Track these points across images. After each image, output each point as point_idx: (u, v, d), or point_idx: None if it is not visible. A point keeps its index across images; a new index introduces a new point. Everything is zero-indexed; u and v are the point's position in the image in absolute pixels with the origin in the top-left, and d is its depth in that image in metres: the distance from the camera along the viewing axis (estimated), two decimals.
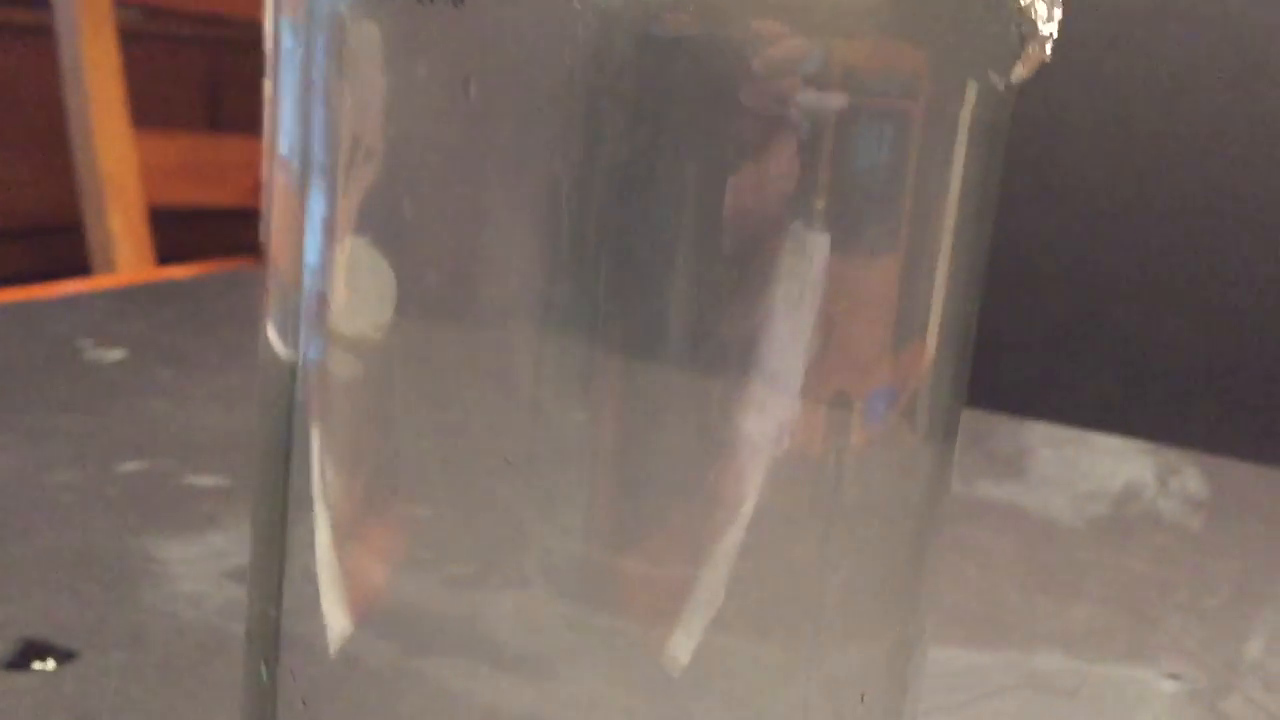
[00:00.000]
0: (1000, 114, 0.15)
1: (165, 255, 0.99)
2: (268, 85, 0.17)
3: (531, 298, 0.15)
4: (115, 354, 0.48)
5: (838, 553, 0.17)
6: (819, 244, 0.15)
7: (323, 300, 0.16)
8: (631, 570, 0.17)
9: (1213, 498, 0.45)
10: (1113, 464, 0.48)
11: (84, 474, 0.36)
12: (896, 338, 0.16)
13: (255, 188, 1.24)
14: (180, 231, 1.11)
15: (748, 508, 0.16)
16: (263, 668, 0.16)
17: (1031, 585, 0.36)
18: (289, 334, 0.17)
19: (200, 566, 0.31)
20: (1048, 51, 0.14)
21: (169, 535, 0.32)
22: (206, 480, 0.37)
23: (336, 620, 0.16)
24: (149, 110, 1.04)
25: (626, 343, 0.16)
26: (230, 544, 0.32)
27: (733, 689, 0.17)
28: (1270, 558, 0.40)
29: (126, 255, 0.96)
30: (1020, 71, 0.14)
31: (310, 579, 0.17)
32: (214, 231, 1.24)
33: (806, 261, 0.15)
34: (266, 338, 0.17)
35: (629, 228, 0.15)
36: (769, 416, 0.16)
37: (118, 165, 0.95)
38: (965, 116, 0.15)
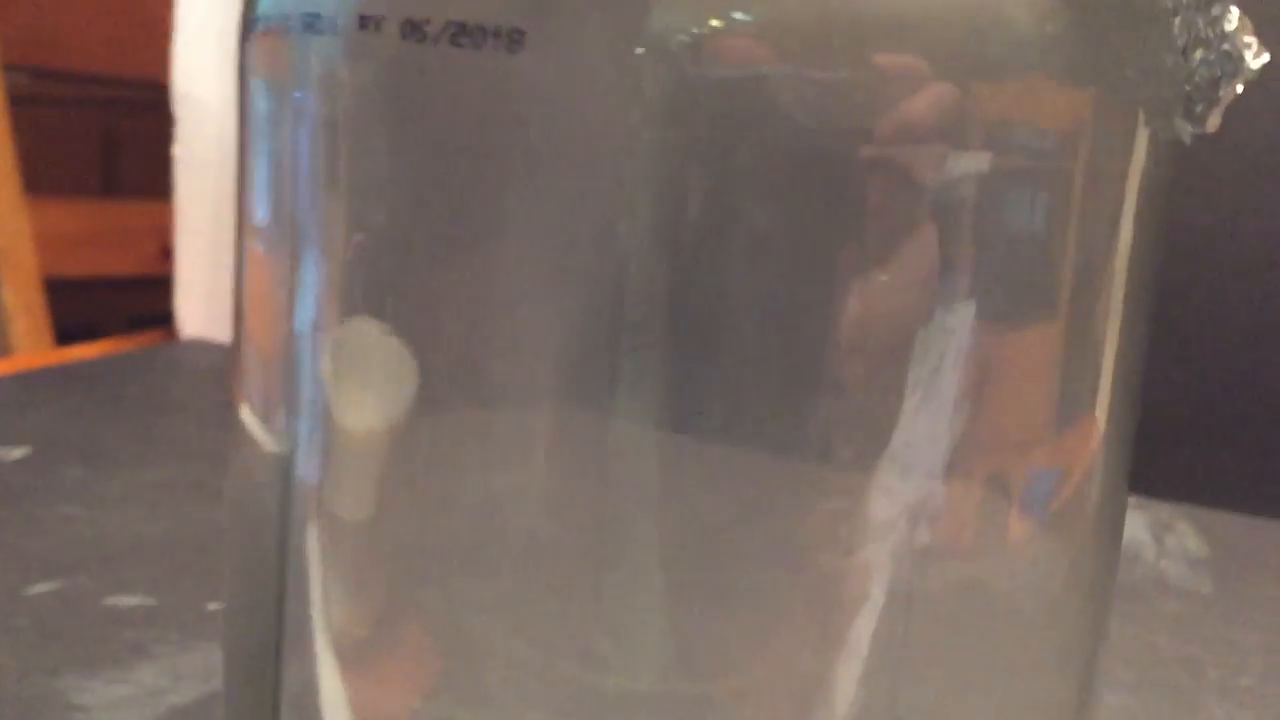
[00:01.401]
0: (1174, 167, 0.12)
1: (63, 330, 0.93)
2: (239, 148, 0.14)
3: (587, 384, 0.13)
4: (17, 452, 0.43)
5: (993, 666, 0.14)
6: (956, 320, 0.13)
7: (325, 385, 0.14)
8: (730, 694, 0.14)
9: (1214, 556, 0.43)
10: None
11: None
12: (1059, 416, 0.14)
13: (160, 254, 1.19)
14: (78, 304, 1.06)
15: (878, 611, 0.13)
16: None
17: None
18: (276, 420, 0.14)
19: (130, 712, 0.26)
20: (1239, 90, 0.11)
21: (90, 673, 0.28)
22: (130, 600, 0.32)
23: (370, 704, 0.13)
24: (40, 176, 0.99)
25: (711, 434, 0.13)
26: (163, 679, 0.28)
27: None
28: None
29: (22, 333, 0.91)
30: (1215, 120, 0.11)
31: (322, 665, 0.14)
32: (116, 302, 1.19)
33: (940, 341, 0.13)
34: (242, 426, 0.15)
35: (712, 307, 0.12)
36: (897, 504, 0.13)
37: (11, 238, 0.90)
38: (1135, 173, 0.12)
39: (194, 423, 0.51)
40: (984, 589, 0.14)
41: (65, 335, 0.91)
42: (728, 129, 0.12)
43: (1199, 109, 0.12)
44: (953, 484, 0.14)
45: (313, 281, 0.13)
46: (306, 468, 0.14)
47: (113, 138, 1.69)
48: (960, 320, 0.13)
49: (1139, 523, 0.46)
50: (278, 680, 0.13)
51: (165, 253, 1.22)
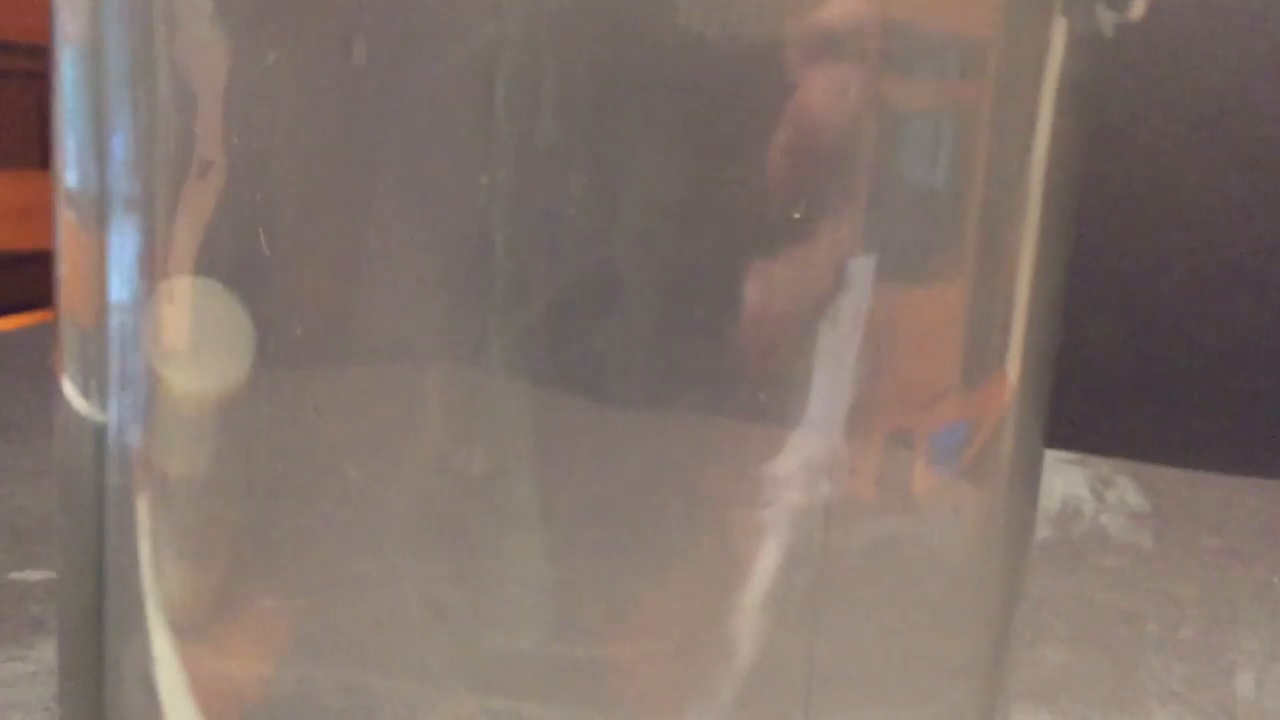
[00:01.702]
0: (1095, 66, 0.12)
1: (7, 307, 0.92)
2: (53, 112, 0.13)
3: (450, 332, 0.12)
4: None
5: (905, 621, 0.14)
6: (865, 252, 0.12)
7: (148, 351, 0.13)
8: (625, 655, 0.13)
9: (1154, 510, 0.43)
10: (1045, 479, 0.45)
11: None
12: (967, 363, 0.14)
13: None
14: (12, 279, 1.04)
15: (767, 572, 0.13)
16: None
17: None
18: (93, 390, 0.14)
19: (27, 690, 0.25)
20: None
21: None
22: (35, 575, 0.31)
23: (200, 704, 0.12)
24: None
25: (592, 384, 0.12)
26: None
27: None
28: (1231, 574, 0.38)
29: None
30: (1140, 6, 0.10)
31: (146, 692, 0.13)
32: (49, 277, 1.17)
33: (846, 274, 0.12)
34: (63, 398, 0.14)
35: (587, 242, 0.11)
36: (798, 460, 0.12)
37: None
38: (1051, 73, 0.11)
39: None
40: (894, 543, 0.14)
41: (6, 312, 0.89)
42: (611, 40, 0.11)
43: None
44: (859, 436, 0.13)
45: (128, 244, 0.12)
46: (128, 436, 0.13)
47: (49, 110, 1.65)
48: (866, 252, 0.12)
49: (1079, 478, 0.46)
50: (101, 652, 0.13)
51: None
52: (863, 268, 0.12)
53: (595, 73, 0.11)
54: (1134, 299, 0.50)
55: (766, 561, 0.13)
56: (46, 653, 0.27)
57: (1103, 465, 0.47)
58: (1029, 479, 0.16)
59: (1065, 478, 0.46)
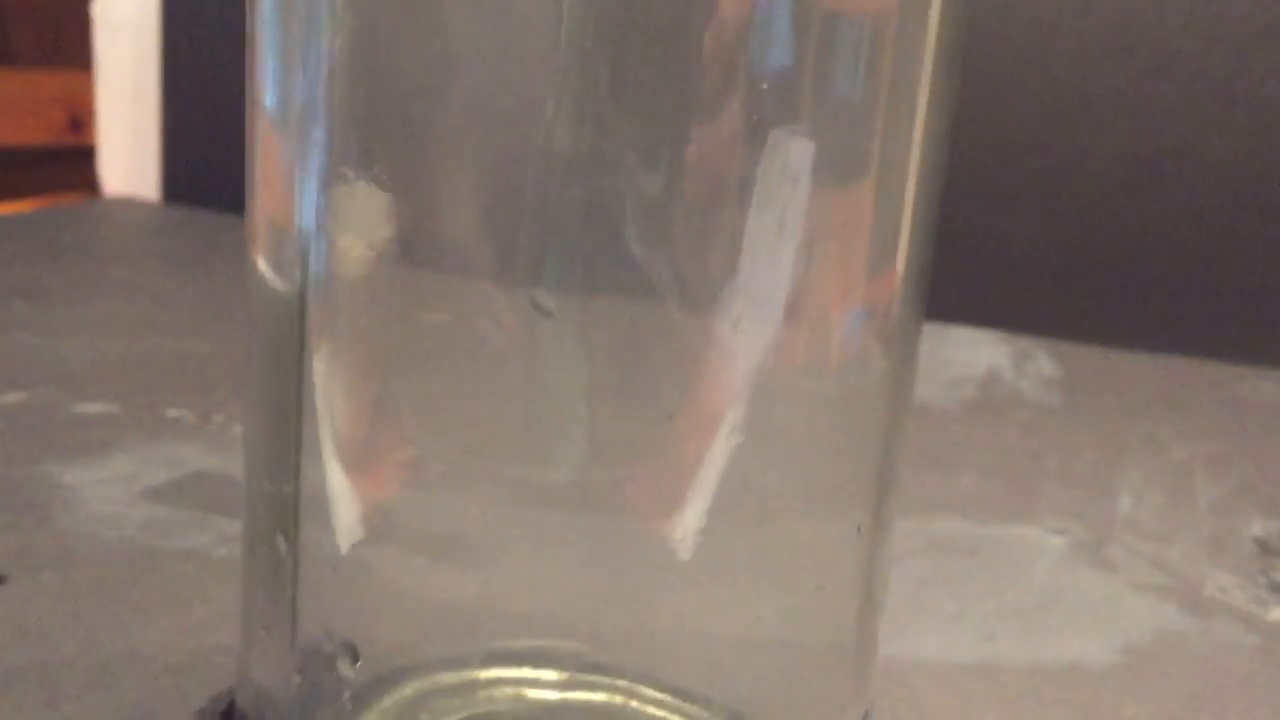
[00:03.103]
0: (965, 11, 0.16)
1: None
2: (249, 30, 0.17)
3: (517, 218, 0.16)
4: None
5: (817, 449, 0.18)
6: (803, 155, 0.16)
7: (328, 229, 0.17)
8: (627, 472, 0.18)
9: (1066, 378, 0.49)
10: (971, 352, 0.51)
11: None
12: (871, 258, 0.17)
13: (69, 124, 1.18)
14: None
15: (736, 415, 0.17)
16: (281, 540, 0.16)
17: (920, 462, 0.38)
18: (284, 266, 0.17)
19: (111, 489, 0.30)
20: None
21: (70, 461, 0.31)
22: (94, 407, 0.35)
23: (362, 498, 0.17)
24: None
25: (621, 266, 0.16)
26: (135, 466, 0.32)
27: (717, 570, 0.18)
28: (1124, 427, 0.43)
29: None
30: None
31: (331, 463, 0.17)
32: (25, 174, 1.18)
33: (790, 178, 0.16)
34: (258, 272, 0.18)
35: (612, 150, 0.15)
36: (758, 338, 0.17)
37: None
38: (934, 13, 0.16)
39: (129, 268, 0.54)
40: (816, 398, 0.18)
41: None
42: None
43: None
44: (793, 319, 0.17)
45: (314, 153, 0.16)
46: (310, 302, 0.17)
47: (4, 7, 1.64)
48: (797, 171, 0.16)
49: (1003, 353, 0.51)
50: (298, 483, 0.17)
51: (74, 123, 1.21)
52: (802, 168, 0.16)
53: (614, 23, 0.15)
54: (1055, 194, 0.55)
55: (727, 412, 0.18)
56: (119, 465, 0.32)
57: (1024, 341, 0.53)
58: (911, 346, 0.19)
59: (990, 352, 0.51)
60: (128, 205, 0.64)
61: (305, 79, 0.16)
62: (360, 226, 0.16)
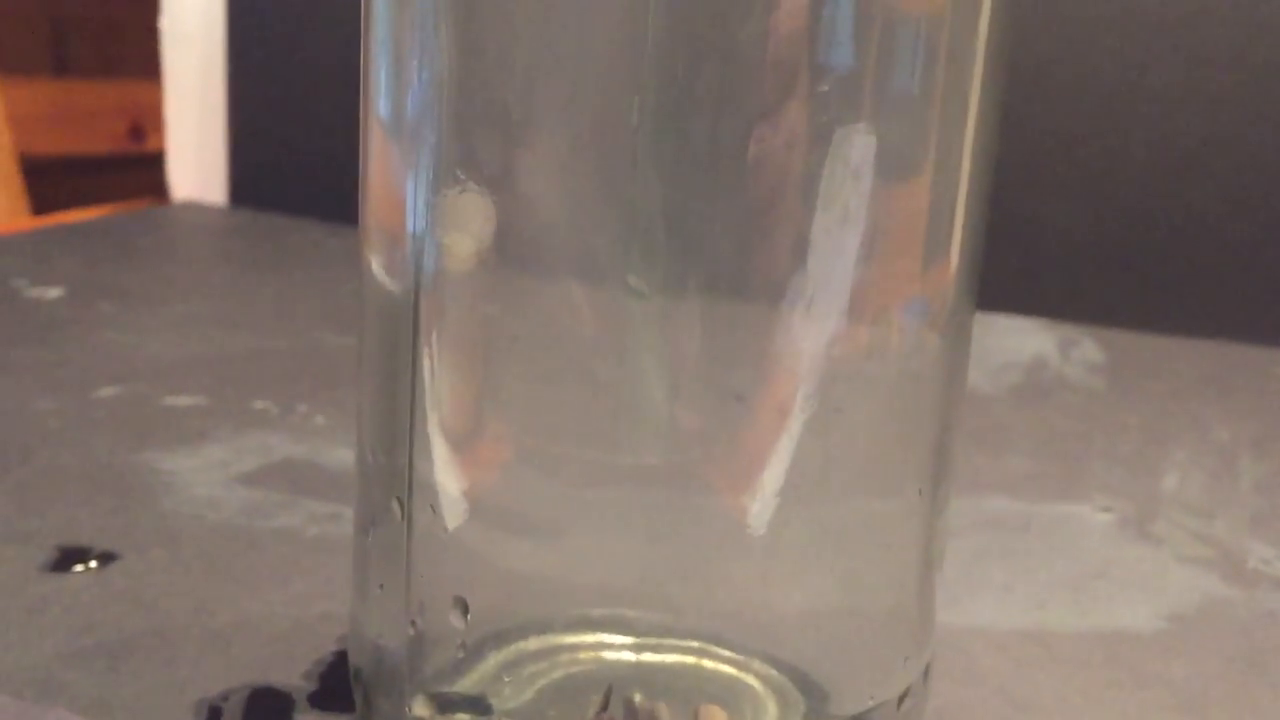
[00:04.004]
0: (1015, 8, 0.18)
1: (36, 208, 0.96)
2: (363, 38, 0.18)
3: (605, 217, 0.17)
4: (53, 292, 0.48)
5: (879, 429, 0.20)
6: (865, 152, 0.17)
7: (432, 239, 0.18)
8: (703, 452, 0.19)
9: (1110, 363, 0.50)
10: (1018, 340, 0.52)
11: (63, 401, 0.37)
12: (927, 250, 0.18)
13: (129, 133, 1.21)
14: (44, 183, 1.08)
15: (803, 398, 0.19)
16: (396, 506, 0.18)
17: (970, 445, 0.39)
18: (396, 267, 0.19)
19: (209, 474, 0.32)
20: None
21: (167, 450, 0.34)
22: (186, 400, 0.38)
23: (466, 478, 0.18)
24: None
25: (699, 261, 0.18)
26: (229, 454, 0.34)
27: (800, 545, 0.20)
28: (1168, 409, 0.44)
29: (1, 205, 0.94)
30: None
31: (438, 447, 0.19)
32: (89, 181, 1.21)
33: (853, 174, 0.17)
34: (371, 272, 0.19)
35: (689, 153, 0.17)
36: (824, 325, 0.18)
37: None
38: (986, 12, 0.17)
39: (203, 269, 0.56)
40: (879, 381, 0.19)
41: (38, 212, 0.94)
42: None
43: None
44: (856, 310, 0.18)
45: (424, 160, 0.17)
46: (421, 302, 0.18)
47: (61, 18, 1.68)
48: (861, 167, 0.17)
49: (1049, 339, 0.52)
50: (411, 451, 0.18)
51: (135, 131, 1.24)
52: (864, 165, 0.17)
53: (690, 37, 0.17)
54: (1101, 184, 0.56)
55: (796, 395, 0.19)
56: (214, 453, 0.34)
57: (1069, 329, 0.54)
58: (964, 332, 0.20)
59: (1036, 339, 0.53)
60: (196, 209, 0.66)
61: (417, 91, 0.18)
62: (468, 227, 0.18)
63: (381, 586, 0.19)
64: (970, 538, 0.32)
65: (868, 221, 0.17)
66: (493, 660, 0.20)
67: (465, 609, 0.18)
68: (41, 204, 0.96)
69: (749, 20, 0.16)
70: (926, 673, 0.22)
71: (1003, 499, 0.35)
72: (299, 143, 0.64)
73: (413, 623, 0.18)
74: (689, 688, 0.20)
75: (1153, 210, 0.55)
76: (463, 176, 0.17)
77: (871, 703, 0.20)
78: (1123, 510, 0.34)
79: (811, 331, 0.18)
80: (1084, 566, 0.31)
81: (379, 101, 0.18)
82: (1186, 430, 0.42)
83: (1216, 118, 0.54)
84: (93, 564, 0.27)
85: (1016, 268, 0.56)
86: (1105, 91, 0.55)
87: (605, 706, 0.20)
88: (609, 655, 0.21)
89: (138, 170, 1.05)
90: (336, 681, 0.23)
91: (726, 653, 0.21)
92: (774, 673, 0.21)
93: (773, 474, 0.19)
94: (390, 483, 0.18)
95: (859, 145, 0.17)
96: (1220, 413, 0.44)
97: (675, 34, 0.16)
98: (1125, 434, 0.41)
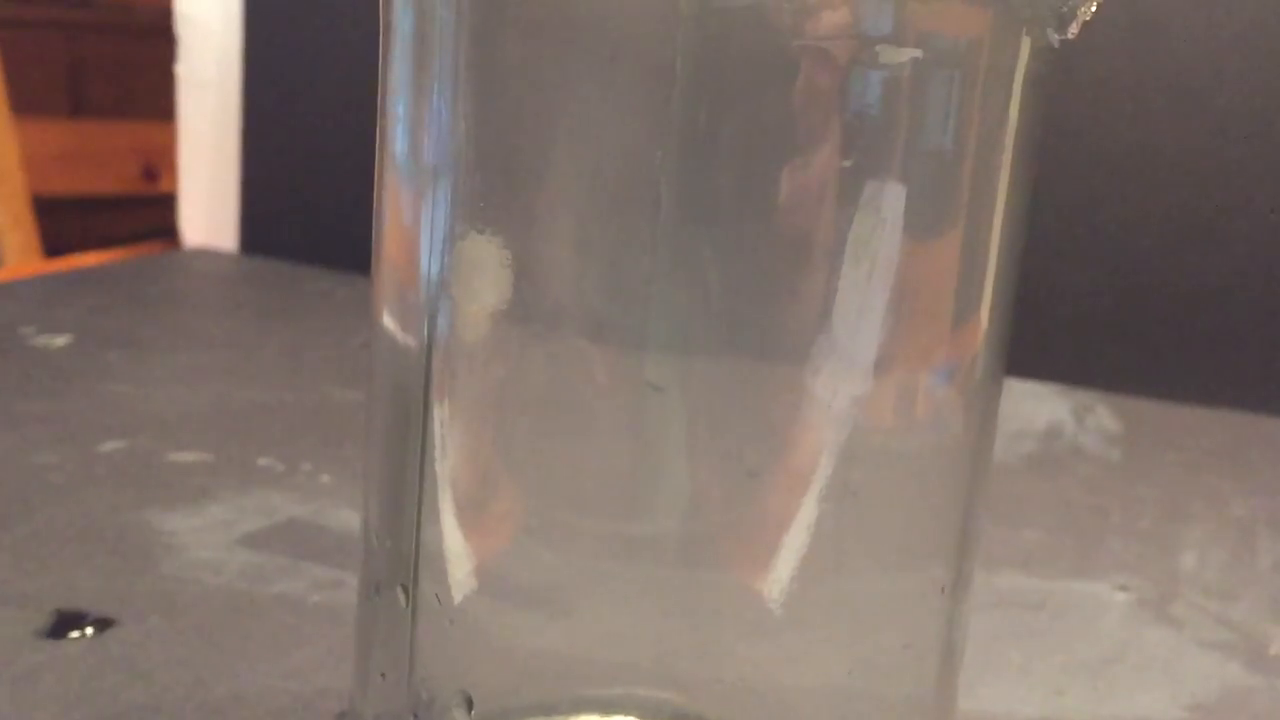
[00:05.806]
0: (1049, 71, 0.17)
1: (48, 248, 0.96)
2: (380, 83, 0.18)
3: (624, 279, 0.17)
4: (61, 339, 0.47)
5: (902, 506, 0.19)
6: (894, 209, 0.17)
7: (447, 292, 0.18)
8: (718, 528, 0.19)
9: (1126, 432, 0.49)
10: (1032, 406, 0.52)
11: (65, 455, 0.36)
12: (956, 312, 0.18)
13: (142, 174, 1.21)
14: (57, 223, 1.08)
15: (824, 472, 0.18)
16: (401, 594, 0.17)
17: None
18: (408, 319, 0.18)
19: (210, 536, 0.32)
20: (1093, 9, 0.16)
21: (169, 509, 0.33)
22: (189, 456, 0.37)
23: (475, 551, 0.18)
24: (12, 98, 1.01)
25: (727, 330, 0.17)
26: (231, 514, 0.33)
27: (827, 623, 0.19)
28: (1186, 482, 0.44)
29: (14, 247, 0.94)
30: (1075, 29, 0.16)
31: (447, 518, 0.18)
32: (101, 221, 1.21)
33: (882, 231, 0.17)
34: (383, 327, 0.19)
35: (712, 213, 0.16)
36: (847, 392, 0.18)
37: (1, 155, 0.92)
38: (1020, 74, 0.17)
39: (214, 317, 0.56)
40: (902, 453, 0.19)
41: (53, 256, 0.94)
42: (706, 52, 0.16)
43: (1065, 21, 0.17)
44: (881, 375, 0.18)
45: (440, 208, 0.17)
46: (434, 355, 0.17)
47: (79, 60, 1.69)
48: (890, 224, 0.16)
49: (1063, 406, 0.52)
50: (419, 534, 0.18)
51: (148, 173, 1.24)
52: (893, 222, 0.17)
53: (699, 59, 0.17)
54: (1116, 250, 0.55)
55: (816, 468, 0.18)
56: (216, 512, 0.33)
57: (1084, 395, 0.53)
58: (992, 398, 0.20)
59: (1050, 405, 0.52)
60: (208, 256, 0.66)
61: (434, 140, 0.17)
62: (482, 283, 0.17)
63: (383, 675, 0.18)
64: (984, 616, 0.31)
65: (895, 280, 0.17)
66: None
67: (470, 705, 0.18)
68: (53, 242, 0.96)
69: (778, 72, 0.16)
70: None
71: (1018, 575, 0.34)
72: (311, 190, 0.64)
73: (415, 716, 0.18)
74: None
75: (1168, 276, 0.55)
76: (476, 230, 0.17)
77: None
78: (1140, 590, 0.34)
79: (834, 397, 0.17)
80: (1102, 649, 0.30)
81: (395, 149, 0.18)
82: (1203, 504, 0.41)
83: (1234, 186, 0.53)
84: (89, 630, 0.26)
85: (1030, 331, 0.55)
86: (1122, 158, 0.54)
87: None
88: None
89: (149, 211, 1.05)
90: None
91: None
92: None
93: (791, 549, 0.19)
94: (395, 568, 0.18)
95: (888, 201, 0.17)
96: (1236, 487, 0.44)
97: (701, 87, 0.16)
98: (1142, 508, 0.41)
